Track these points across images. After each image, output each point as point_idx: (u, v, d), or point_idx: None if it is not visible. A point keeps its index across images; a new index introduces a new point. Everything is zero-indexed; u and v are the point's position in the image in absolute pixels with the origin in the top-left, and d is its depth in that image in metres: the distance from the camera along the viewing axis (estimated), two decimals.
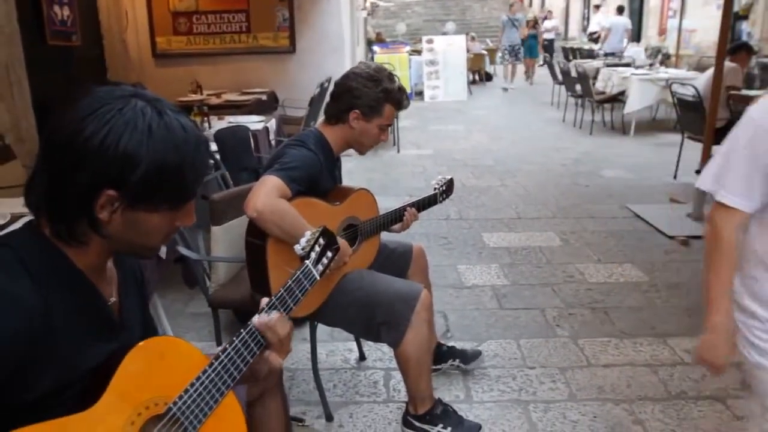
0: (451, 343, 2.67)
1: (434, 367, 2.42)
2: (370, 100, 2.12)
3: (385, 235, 2.41)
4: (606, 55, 12.14)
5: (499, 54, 14.71)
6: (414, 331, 2.05)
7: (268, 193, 1.90)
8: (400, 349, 2.07)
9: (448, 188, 2.52)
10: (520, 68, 14.28)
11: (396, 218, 2.33)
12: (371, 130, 2.18)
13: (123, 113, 0.98)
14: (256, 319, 1.22)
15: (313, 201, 2.05)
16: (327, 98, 2.29)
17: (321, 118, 2.31)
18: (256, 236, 1.98)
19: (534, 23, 14.68)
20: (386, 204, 2.38)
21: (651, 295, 3.34)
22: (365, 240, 2.25)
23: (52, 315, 0.97)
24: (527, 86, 14.12)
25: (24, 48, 4.24)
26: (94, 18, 6.08)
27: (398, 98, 2.18)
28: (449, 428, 2.15)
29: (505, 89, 13.22)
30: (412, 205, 2.36)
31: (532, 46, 14.17)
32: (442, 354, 2.57)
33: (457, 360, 2.57)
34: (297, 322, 2.38)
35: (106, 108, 0.98)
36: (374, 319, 2.07)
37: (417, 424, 2.18)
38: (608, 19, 13.89)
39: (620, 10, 13.64)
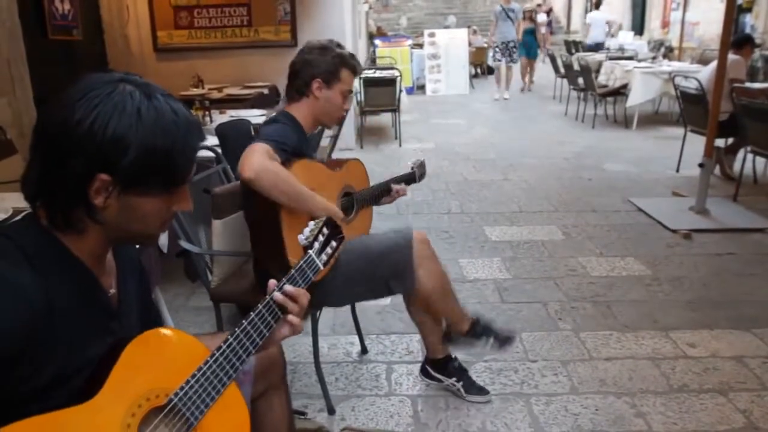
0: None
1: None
2: (327, 65, 2.17)
3: (383, 229, 2.43)
4: (591, 48, 12.19)
5: (491, 53, 12.27)
6: (422, 269, 2.12)
7: (261, 155, 1.89)
8: (416, 291, 2.14)
9: (421, 166, 2.70)
10: (516, 70, 11.90)
11: (387, 190, 2.43)
12: (334, 97, 2.20)
13: (111, 97, 0.98)
14: (278, 295, 1.24)
15: (313, 164, 2.09)
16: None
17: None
18: (265, 207, 1.95)
19: (531, 15, 12.40)
20: None
21: (653, 289, 3.33)
22: (360, 209, 2.30)
23: (54, 304, 0.97)
24: (526, 91, 12.31)
25: (25, 42, 4.24)
26: (95, 12, 6.07)
27: (352, 63, 2.23)
28: (461, 382, 2.33)
29: (497, 99, 11.13)
30: (395, 180, 2.50)
31: (530, 44, 12.00)
32: (476, 333, 2.34)
33: (492, 338, 2.32)
34: None
35: (94, 93, 0.98)
36: (379, 277, 2.12)
37: (434, 373, 2.37)
38: (588, 14, 14.04)
39: (597, 5, 13.73)
